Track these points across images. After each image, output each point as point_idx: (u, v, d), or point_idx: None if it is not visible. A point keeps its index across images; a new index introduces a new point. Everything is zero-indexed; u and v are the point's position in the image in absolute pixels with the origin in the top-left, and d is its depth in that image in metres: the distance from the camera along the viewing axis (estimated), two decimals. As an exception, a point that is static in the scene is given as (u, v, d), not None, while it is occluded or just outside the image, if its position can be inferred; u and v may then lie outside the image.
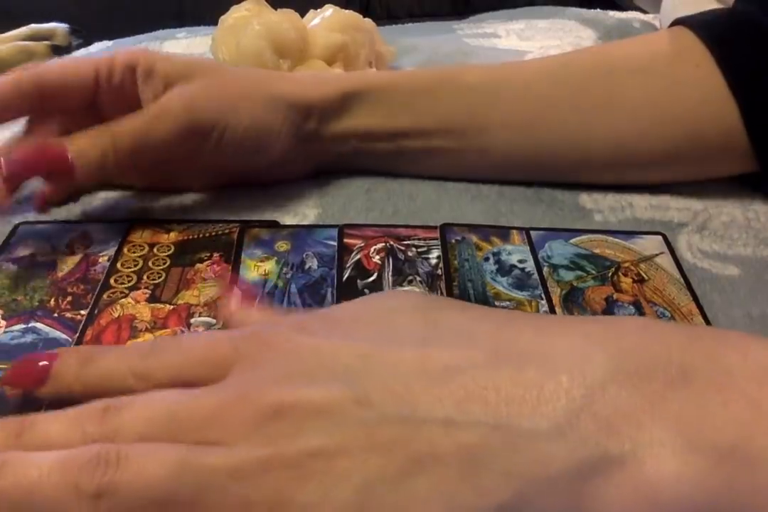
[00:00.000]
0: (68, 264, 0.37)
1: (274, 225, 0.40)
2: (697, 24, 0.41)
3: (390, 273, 0.36)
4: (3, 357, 0.31)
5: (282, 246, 0.38)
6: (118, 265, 0.37)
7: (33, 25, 0.64)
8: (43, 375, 0.25)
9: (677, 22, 0.43)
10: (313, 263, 0.37)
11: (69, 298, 0.34)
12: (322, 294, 0.35)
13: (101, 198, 0.42)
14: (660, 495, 0.19)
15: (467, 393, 0.21)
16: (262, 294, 0.34)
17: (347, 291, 0.35)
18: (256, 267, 0.36)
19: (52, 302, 0.34)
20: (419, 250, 0.38)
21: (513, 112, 0.41)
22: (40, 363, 0.25)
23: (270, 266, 0.37)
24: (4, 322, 0.33)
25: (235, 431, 0.21)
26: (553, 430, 0.20)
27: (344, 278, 0.36)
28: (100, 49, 0.73)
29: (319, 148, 0.41)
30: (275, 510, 0.20)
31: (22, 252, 0.37)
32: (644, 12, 0.82)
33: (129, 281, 0.35)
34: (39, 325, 0.33)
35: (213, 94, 0.38)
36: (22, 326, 0.33)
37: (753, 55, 0.39)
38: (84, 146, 0.35)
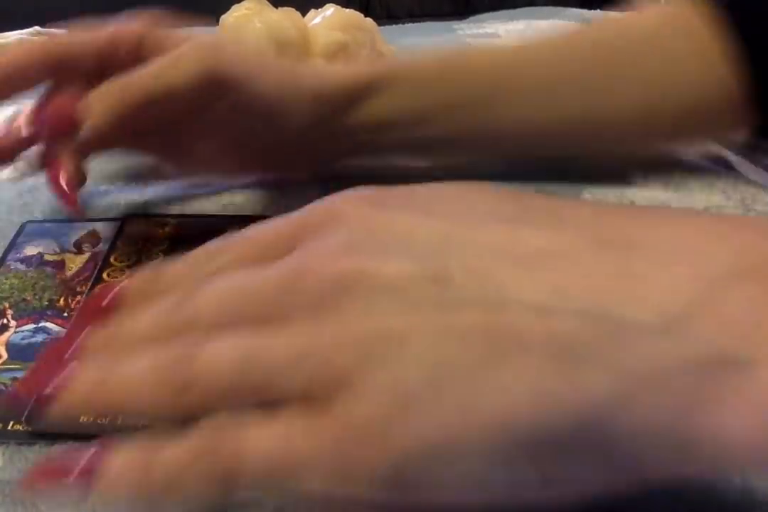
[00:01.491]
0: (76, 263, 0.37)
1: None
2: None
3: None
4: (15, 357, 0.31)
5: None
6: (111, 259, 0.37)
7: (36, 27, 0.65)
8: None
9: None
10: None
11: (78, 297, 0.34)
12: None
13: (98, 193, 0.42)
14: None
15: (564, 278, 0.18)
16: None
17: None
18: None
19: (62, 301, 0.34)
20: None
21: (533, 83, 0.41)
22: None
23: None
24: (14, 322, 0.33)
25: (299, 306, 0.20)
26: (665, 325, 0.18)
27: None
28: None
29: (335, 137, 0.40)
30: (338, 393, 0.18)
31: (30, 251, 0.37)
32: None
33: (122, 275, 0.35)
34: (49, 325, 0.33)
35: (233, 52, 0.36)
36: (32, 326, 0.33)
37: (762, 20, 0.38)
38: (91, 100, 0.33)
